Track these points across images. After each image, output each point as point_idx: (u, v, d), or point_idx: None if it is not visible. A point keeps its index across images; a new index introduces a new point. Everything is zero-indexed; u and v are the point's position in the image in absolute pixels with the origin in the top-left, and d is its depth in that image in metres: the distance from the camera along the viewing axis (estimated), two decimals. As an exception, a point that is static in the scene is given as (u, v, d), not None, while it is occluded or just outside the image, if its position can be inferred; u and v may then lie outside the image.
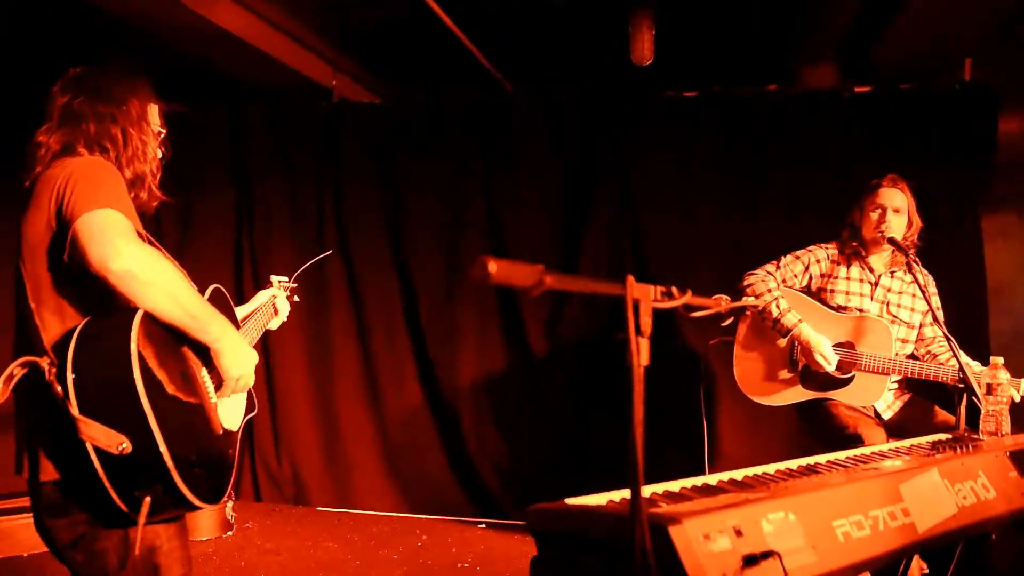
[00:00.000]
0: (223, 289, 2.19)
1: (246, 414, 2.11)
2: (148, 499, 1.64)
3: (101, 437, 1.60)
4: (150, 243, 1.90)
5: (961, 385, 2.75)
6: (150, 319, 1.71)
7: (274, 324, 2.64)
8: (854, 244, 3.38)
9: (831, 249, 3.43)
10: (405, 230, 4.86)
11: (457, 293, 4.78)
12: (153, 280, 1.70)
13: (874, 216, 3.30)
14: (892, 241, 3.21)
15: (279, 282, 2.71)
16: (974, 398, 2.63)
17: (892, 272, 3.37)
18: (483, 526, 4.59)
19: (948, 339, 2.90)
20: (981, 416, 2.48)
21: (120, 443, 1.59)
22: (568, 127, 4.67)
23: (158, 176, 2.04)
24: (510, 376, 4.75)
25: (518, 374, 4.74)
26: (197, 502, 1.71)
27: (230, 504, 4.34)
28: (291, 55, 4.74)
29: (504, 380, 4.76)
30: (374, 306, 4.88)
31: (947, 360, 3.21)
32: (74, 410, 1.60)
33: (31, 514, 1.81)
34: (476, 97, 4.91)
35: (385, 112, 5.02)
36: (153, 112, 2.03)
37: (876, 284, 3.35)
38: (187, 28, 4.11)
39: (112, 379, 1.63)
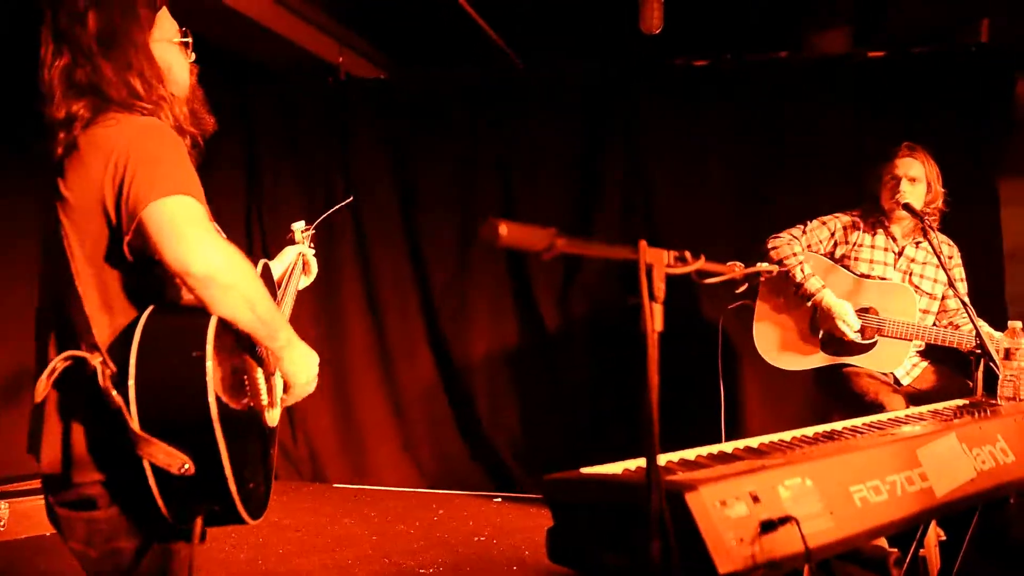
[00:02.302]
0: (270, 266, 2.06)
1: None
2: (201, 518, 1.54)
3: (161, 456, 1.44)
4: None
5: (979, 351, 2.73)
6: (223, 325, 1.54)
7: (303, 284, 2.44)
8: (875, 213, 3.36)
9: (856, 217, 3.41)
10: (416, 205, 4.85)
11: (469, 267, 4.77)
12: (234, 284, 1.51)
13: (888, 185, 3.27)
14: (908, 207, 3.18)
15: (302, 232, 2.48)
16: (992, 363, 2.61)
17: (917, 243, 3.34)
18: (499, 500, 4.61)
19: (965, 304, 2.88)
20: (999, 381, 2.45)
21: (183, 464, 1.44)
22: (578, 99, 4.63)
23: (199, 95, 1.77)
24: (523, 348, 4.75)
25: (531, 346, 4.74)
26: (249, 519, 1.60)
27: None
28: (297, 31, 4.71)
29: (517, 353, 4.76)
30: (386, 282, 4.88)
31: (968, 330, 3.19)
32: (135, 425, 1.44)
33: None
34: (485, 71, 4.87)
35: (394, 88, 4.99)
36: (161, 27, 1.68)
37: (900, 254, 3.33)
38: (191, 6, 4.08)
39: (182, 397, 1.47)
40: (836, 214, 3.43)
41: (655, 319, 1.19)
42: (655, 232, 4.52)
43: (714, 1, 4.56)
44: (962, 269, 3.33)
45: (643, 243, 1.20)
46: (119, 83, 1.57)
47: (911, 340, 3.17)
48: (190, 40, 1.74)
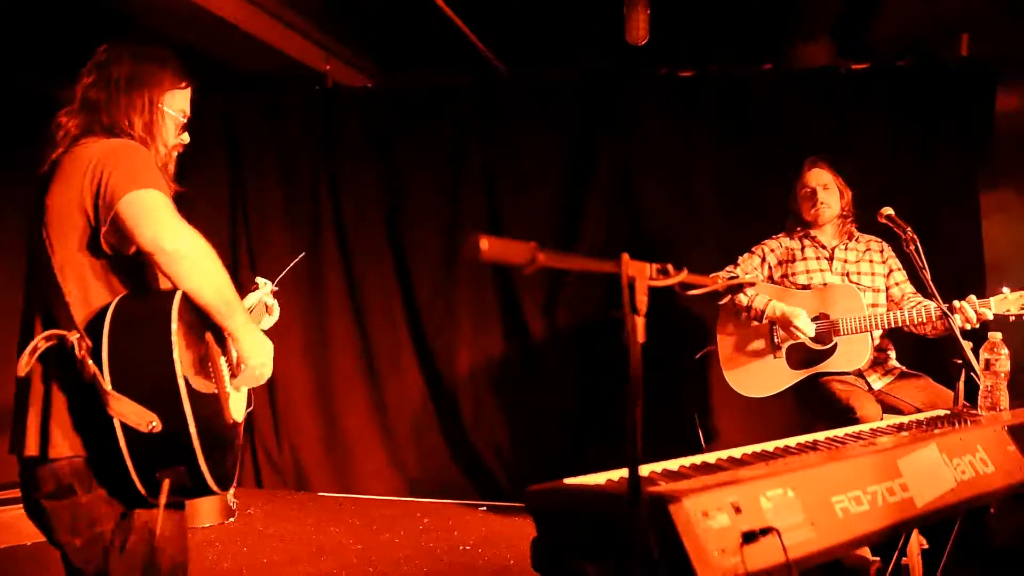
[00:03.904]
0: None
1: (247, 407, 2.11)
2: (168, 481, 1.64)
3: (131, 414, 1.60)
4: None
5: (959, 362, 2.75)
6: (186, 301, 1.72)
7: (266, 324, 2.58)
8: (799, 228, 3.56)
9: (782, 239, 3.59)
10: (402, 214, 4.84)
11: (454, 276, 4.77)
12: (200, 262, 1.72)
13: (807, 198, 3.49)
14: (890, 218, 3.21)
15: (264, 283, 2.63)
16: (972, 374, 2.64)
17: (846, 245, 3.50)
18: (484, 509, 4.60)
19: (946, 315, 2.91)
20: (979, 392, 2.48)
21: (150, 421, 1.60)
22: (564, 108, 4.65)
23: (170, 166, 2.02)
24: (508, 358, 4.76)
25: (516, 356, 4.74)
26: (215, 487, 1.72)
27: (232, 490, 4.35)
28: (283, 40, 4.71)
29: (502, 362, 4.76)
30: (371, 290, 4.88)
31: (912, 307, 3.29)
32: (106, 385, 1.61)
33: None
34: (471, 80, 4.89)
35: (380, 96, 4.99)
36: (174, 98, 1.98)
37: (832, 258, 3.48)
38: (178, 14, 4.08)
39: (150, 358, 1.64)
40: (763, 242, 3.61)
41: (638, 331, 1.20)
42: (641, 241, 4.53)
43: (700, 13, 4.60)
44: (897, 260, 3.49)
45: (626, 256, 1.21)
46: (119, 112, 1.88)
47: (868, 331, 3.26)
48: (186, 123, 2.03)
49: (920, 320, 3.18)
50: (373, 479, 4.88)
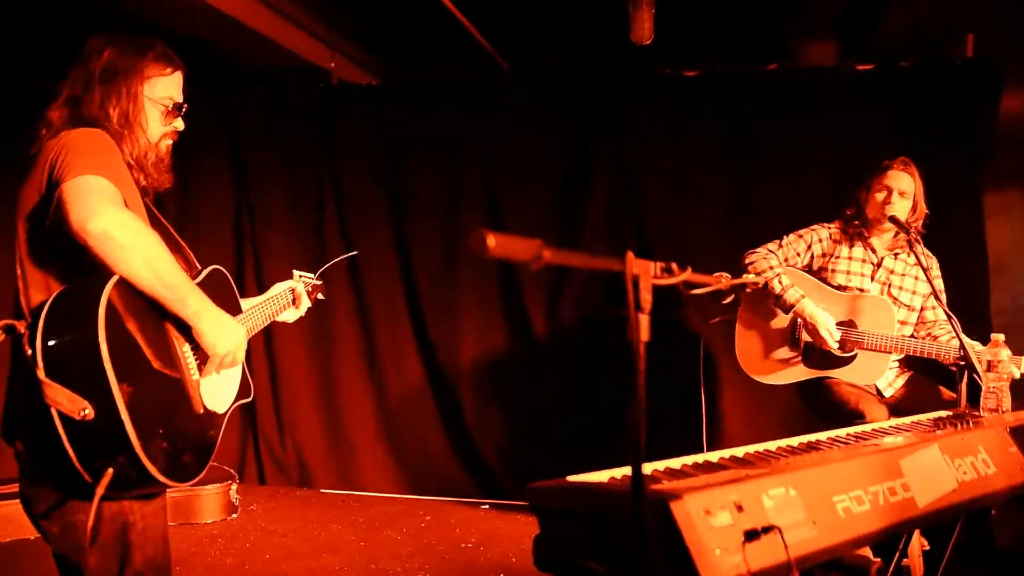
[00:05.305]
0: (224, 270, 2.12)
1: (239, 398, 2.05)
2: (111, 470, 1.60)
3: (64, 401, 1.57)
4: (157, 223, 1.89)
5: (962, 363, 2.75)
6: (126, 288, 1.68)
7: (290, 316, 2.55)
8: (857, 223, 3.38)
9: (833, 228, 3.44)
10: (404, 211, 4.85)
11: (457, 273, 4.78)
12: (130, 244, 1.65)
13: (879, 196, 3.30)
14: (893, 220, 3.21)
15: (300, 276, 2.62)
16: (975, 375, 2.64)
17: (896, 254, 3.37)
18: (486, 507, 4.61)
19: (950, 317, 2.90)
20: (982, 393, 2.48)
21: (82, 408, 1.57)
22: (566, 106, 4.64)
23: (162, 154, 1.99)
24: (511, 355, 4.76)
25: (519, 353, 4.74)
26: (162, 478, 1.67)
27: (234, 487, 4.36)
28: (288, 36, 4.72)
29: (505, 360, 4.77)
30: (374, 288, 4.88)
31: (947, 341, 3.22)
32: (40, 373, 1.58)
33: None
34: (474, 76, 4.89)
35: (383, 93, 5.00)
36: (156, 85, 1.94)
37: (878, 265, 3.36)
38: (182, 9, 4.09)
39: (78, 343, 1.60)
40: (813, 226, 3.46)
41: (642, 329, 1.21)
42: (644, 239, 4.53)
43: (703, 13, 4.60)
44: (941, 281, 3.37)
45: (630, 254, 1.22)
46: (97, 106, 1.86)
47: (891, 353, 3.20)
48: (181, 109, 2.00)
49: (946, 358, 3.10)
50: (375, 476, 4.88)
